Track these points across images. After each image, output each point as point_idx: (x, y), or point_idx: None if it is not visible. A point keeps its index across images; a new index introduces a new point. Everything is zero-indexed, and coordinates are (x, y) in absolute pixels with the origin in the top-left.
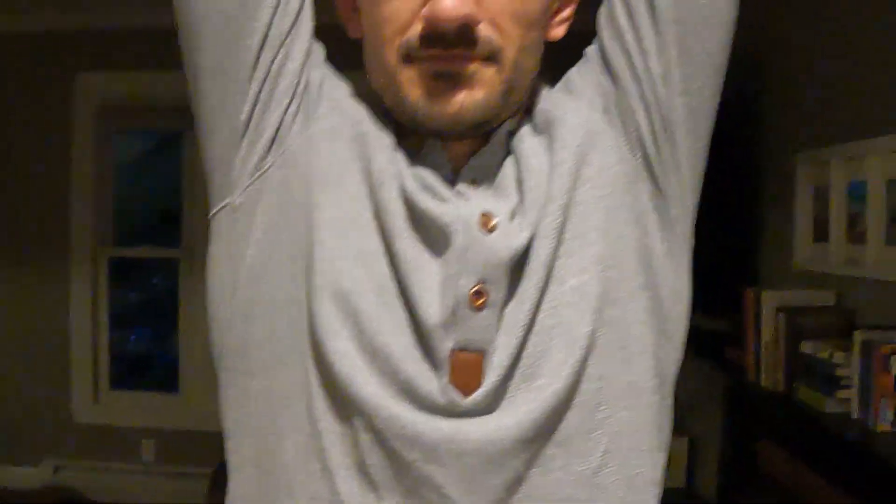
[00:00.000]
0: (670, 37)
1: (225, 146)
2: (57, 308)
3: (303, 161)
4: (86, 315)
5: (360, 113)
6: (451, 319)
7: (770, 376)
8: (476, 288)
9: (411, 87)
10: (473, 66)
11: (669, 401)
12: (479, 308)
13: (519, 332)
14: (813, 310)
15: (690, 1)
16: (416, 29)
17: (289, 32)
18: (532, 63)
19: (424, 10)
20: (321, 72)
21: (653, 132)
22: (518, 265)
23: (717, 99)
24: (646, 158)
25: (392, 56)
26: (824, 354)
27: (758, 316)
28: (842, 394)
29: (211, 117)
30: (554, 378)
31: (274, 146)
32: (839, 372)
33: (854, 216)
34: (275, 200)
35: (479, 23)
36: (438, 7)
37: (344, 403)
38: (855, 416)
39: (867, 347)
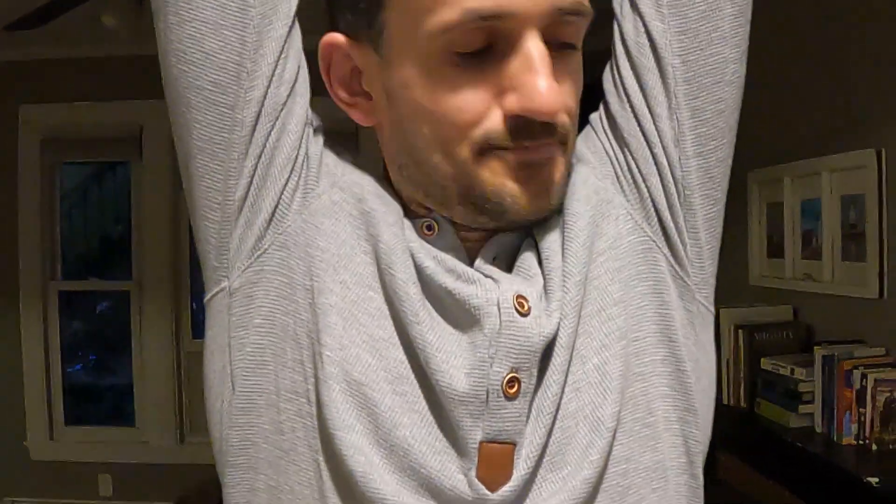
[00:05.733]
0: (681, 97)
1: (220, 226)
2: (8, 345)
3: (303, 241)
4: (38, 352)
5: (362, 189)
6: (482, 409)
7: (731, 393)
8: (510, 376)
9: (495, 178)
10: (553, 153)
11: (700, 481)
12: (513, 397)
13: (547, 421)
14: (771, 326)
15: (701, 59)
16: (496, 120)
17: (285, 104)
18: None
19: (511, 104)
20: (320, 146)
21: (667, 197)
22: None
23: (731, 160)
24: (661, 225)
25: (465, 149)
26: (786, 371)
27: (717, 333)
28: (805, 408)
29: (204, 197)
30: (581, 466)
31: (272, 225)
32: (801, 387)
33: (808, 232)
34: (275, 283)
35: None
36: (537, 102)
37: (360, 502)
38: (819, 430)
39: (828, 363)
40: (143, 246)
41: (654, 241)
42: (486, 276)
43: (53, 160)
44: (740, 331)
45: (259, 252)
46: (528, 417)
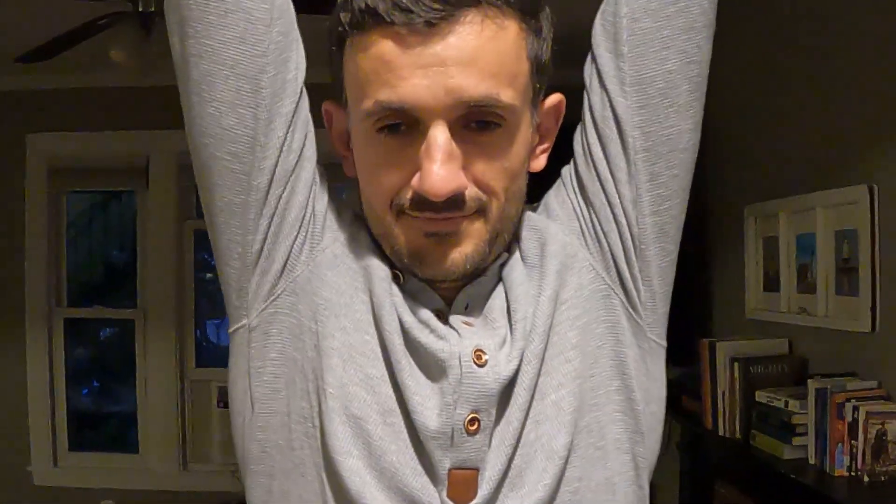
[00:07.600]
0: (640, 164)
1: (240, 273)
2: (13, 370)
3: (310, 289)
4: (42, 378)
5: (359, 245)
6: (449, 443)
7: (727, 424)
8: (470, 416)
9: (405, 241)
10: (462, 225)
11: (646, 490)
12: (473, 433)
13: (508, 450)
14: (766, 359)
15: (658, 131)
16: (407, 192)
17: (293, 170)
18: (516, 208)
19: (414, 181)
20: (324, 203)
21: (624, 251)
22: (506, 388)
23: (684, 215)
24: (619, 275)
25: (386, 212)
26: (780, 403)
27: (713, 366)
28: (798, 440)
29: (226, 248)
30: (536, 487)
31: (284, 274)
32: (795, 419)
33: (803, 267)
34: (286, 324)
35: (465, 189)
36: (427, 185)
37: None
38: (812, 461)
39: (821, 395)
40: (147, 274)
41: (612, 289)
42: (454, 328)
43: (60, 188)
44: (736, 363)
45: (273, 297)
46: (490, 446)
